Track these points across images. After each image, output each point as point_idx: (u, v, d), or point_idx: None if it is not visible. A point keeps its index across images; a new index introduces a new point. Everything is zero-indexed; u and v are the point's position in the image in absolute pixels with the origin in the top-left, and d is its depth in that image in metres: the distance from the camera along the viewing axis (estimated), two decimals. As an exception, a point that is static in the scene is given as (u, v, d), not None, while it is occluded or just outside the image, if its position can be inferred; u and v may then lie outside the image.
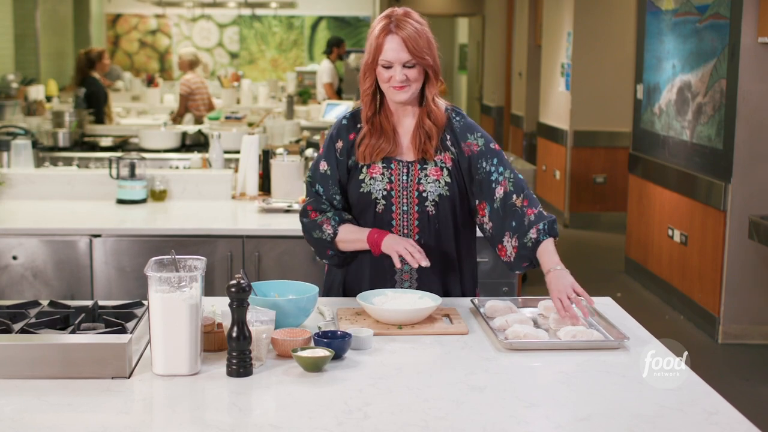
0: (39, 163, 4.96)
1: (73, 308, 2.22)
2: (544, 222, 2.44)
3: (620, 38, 8.21)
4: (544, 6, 9.44)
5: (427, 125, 2.52)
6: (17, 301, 2.30)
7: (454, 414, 1.77)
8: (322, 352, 2.01)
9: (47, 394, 1.85)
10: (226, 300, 1.97)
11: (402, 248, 2.41)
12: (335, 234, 2.52)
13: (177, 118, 8.34)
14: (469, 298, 2.53)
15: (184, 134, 6.24)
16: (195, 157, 5.20)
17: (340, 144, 2.55)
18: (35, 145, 4.79)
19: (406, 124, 2.56)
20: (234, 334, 1.95)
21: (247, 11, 12.69)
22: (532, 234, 2.43)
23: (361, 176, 2.53)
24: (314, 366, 1.98)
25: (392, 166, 2.52)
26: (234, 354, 1.95)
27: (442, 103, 2.58)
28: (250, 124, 7.36)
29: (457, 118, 2.59)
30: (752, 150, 5.09)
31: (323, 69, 9.89)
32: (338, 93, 9.82)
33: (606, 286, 6.33)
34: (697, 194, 5.53)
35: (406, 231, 2.52)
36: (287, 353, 2.07)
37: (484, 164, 2.52)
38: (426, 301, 2.36)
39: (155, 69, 12.92)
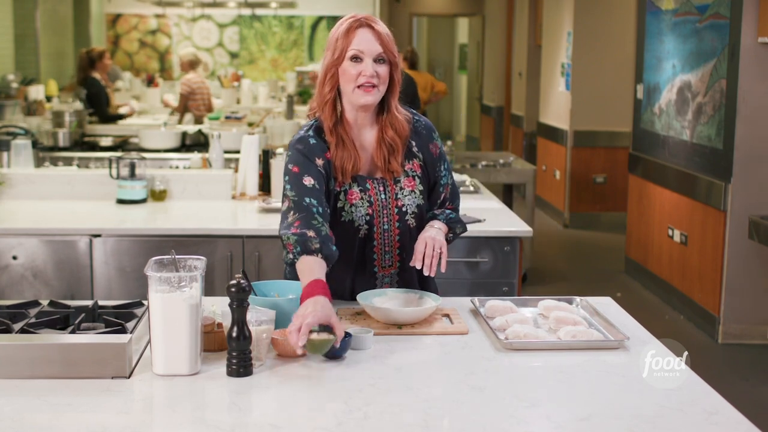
0: (39, 163, 4.96)
1: (73, 308, 2.22)
2: (453, 215, 2.51)
3: (620, 38, 8.21)
4: (544, 6, 9.44)
5: (389, 136, 2.39)
6: (17, 301, 2.30)
7: (454, 414, 1.77)
8: (326, 335, 2.01)
9: (47, 394, 1.85)
10: (226, 300, 1.97)
11: (294, 326, 2.01)
12: (292, 264, 2.29)
13: (174, 112, 8.37)
14: (469, 298, 2.53)
15: (184, 134, 6.24)
16: (195, 157, 5.19)
17: (320, 161, 2.36)
18: (35, 145, 4.79)
19: (366, 135, 2.42)
20: (234, 334, 1.95)
21: (247, 11, 12.69)
22: (437, 212, 2.50)
23: (340, 204, 2.39)
24: (315, 348, 1.99)
25: (368, 186, 2.41)
26: (234, 354, 1.95)
27: (403, 113, 2.44)
28: (250, 124, 7.36)
29: (417, 118, 2.50)
30: (752, 150, 5.09)
31: (323, 69, 9.87)
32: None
33: (606, 286, 6.33)
34: (697, 194, 5.53)
35: (387, 248, 2.45)
36: (287, 353, 2.07)
37: (440, 167, 2.51)
38: (426, 301, 2.36)
39: (155, 69, 12.92)
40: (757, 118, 5.06)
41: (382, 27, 2.35)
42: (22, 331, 2.03)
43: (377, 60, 2.32)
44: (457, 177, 4.93)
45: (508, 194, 7.22)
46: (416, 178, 2.46)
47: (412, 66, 8.44)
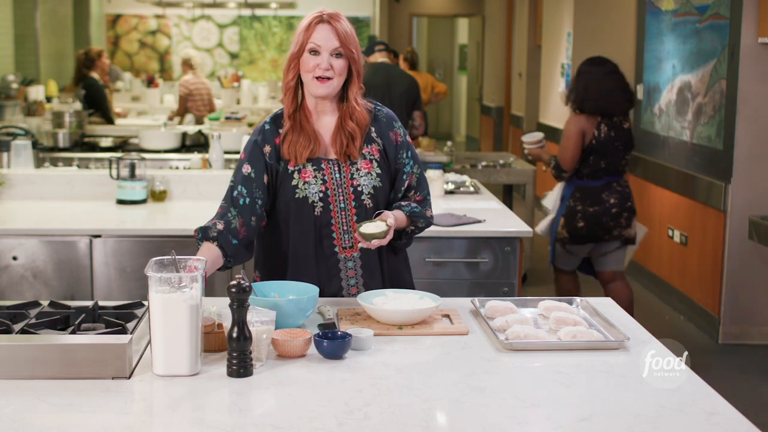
0: (39, 163, 4.96)
1: (73, 308, 2.22)
2: (417, 210, 2.56)
3: (620, 38, 8.20)
4: (544, 6, 9.44)
5: (349, 126, 2.51)
6: (17, 301, 2.30)
7: (455, 414, 1.78)
8: (378, 227, 2.34)
9: (47, 394, 1.85)
10: (227, 300, 1.97)
11: None
12: (198, 245, 2.46)
13: (173, 116, 8.37)
14: (470, 299, 2.53)
15: (184, 134, 6.24)
16: (195, 157, 5.20)
17: (268, 149, 2.52)
18: (35, 145, 4.79)
19: (325, 122, 2.54)
20: (234, 335, 1.95)
21: (247, 12, 12.69)
22: (403, 203, 2.55)
23: (294, 182, 2.50)
24: (369, 237, 2.32)
25: (322, 166, 2.51)
26: (234, 354, 1.95)
27: (363, 104, 2.56)
28: (250, 125, 7.37)
29: (378, 107, 2.61)
30: (752, 150, 5.09)
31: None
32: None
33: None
34: (697, 194, 5.53)
35: (345, 228, 2.52)
36: (287, 354, 2.08)
37: (402, 155, 2.59)
38: (426, 301, 2.36)
39: (155, 69, 12.92)
40: (757, 118, 5.06)
41: (342, 25, 2.47)
42: (23, 331, 2.03)
43: (334, 54, 2.45)
44: (457, 177, 4.93)
45: (508, 194, 7.22)
46: (374, 161, 2.55)
47: (412, 66, 8.44)
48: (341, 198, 2.51)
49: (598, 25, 8.26)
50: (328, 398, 1.85)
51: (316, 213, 2.50)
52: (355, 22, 13.12)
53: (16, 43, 9.74)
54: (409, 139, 2.64)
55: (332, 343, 2.08)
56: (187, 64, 8.86)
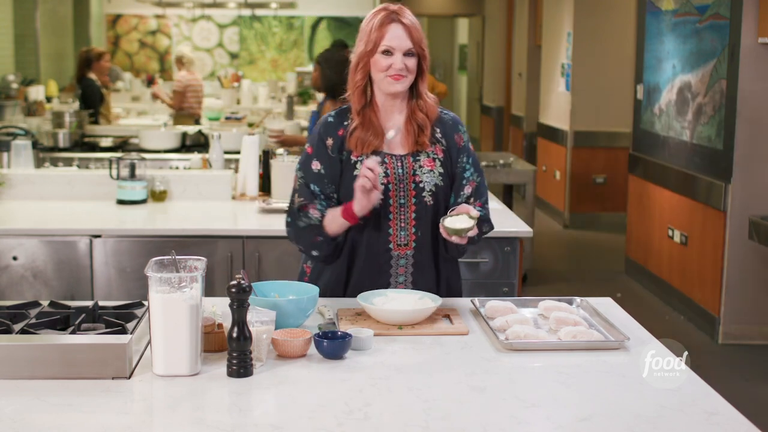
0: (39, 163, 4.96)
1: (73, 309, 2.22)
2: (482, 213, 2.55)
3: (620, 38, 8.21)
4: (544, 6, 9.44)
5: (419, 117, 2.53)
6: (17, 301, 2.30)
7: (455, 414, 1.77)
8: (462, 221, 2.32)
9: (47, 394, 1.85)
10: (227, 300, 1.97)
11: (361, 179, 2.37)
12: (323, 216, 2.50)
13: (171, 104, 8.41)
14: (470, 299, 2.53)
15: (184, 135, 6.24)
16: (195, 157, 5.20)
17: (330, 141, 2.53)
18: (35, 145, 4.80)
19: (394, 119, 2.55)
20: (234, 335, 1.95)
21: (247, 12, 12.69)
22: (477, 208, 2.54)
23: (356, 172, 2.48)
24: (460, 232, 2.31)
25: (386, 160, 2.51)
26: (234, 354, 1.95)
27: (431, 97, 2.59)
28: (251, 125, 7.36)
29: (445, 112, 2.63)
30: (752, 150, 5.09)
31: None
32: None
33: (606, 287, 6.33)
34: (697, 194, 5.53)
35: (403, 224, 2.51)
36: (287, 354, 2.08)
37: (463, 159, 2.59)
38: (426, 301, 2.36)
39: (155, 69, 12.92)
40: (757, 118, 5.06)
41: (411, 21, 2.48)
42: (23, 331, 2.03)
43: (406, 54, 2.46)
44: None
45: (508, 194, 7.22)
46: (436, 160, 2.55)
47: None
48: (402, 193, 2.51)
49: (598, 25, 8.26)
50: (328, 398, 1.85)
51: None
52: (355, 22, 13.14)
53: (16, 43, 9.74)
54: (471, 146, 2.64)
55: (332, 343, 2.08)
56: (180, 62, 8.89)
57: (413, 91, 2.55)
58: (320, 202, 2.52)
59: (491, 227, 2.62)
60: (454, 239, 2.38)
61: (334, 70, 4.96)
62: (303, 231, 2.53)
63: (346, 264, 2.56)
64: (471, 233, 2.38)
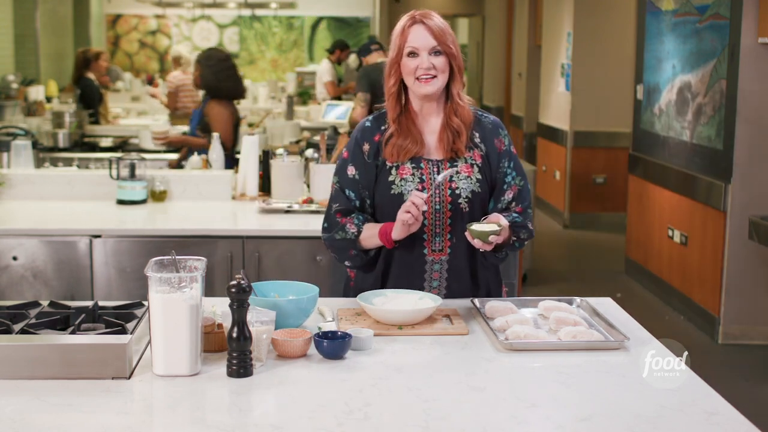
0: (39, 163, 4.97)
1: (73, 309, 2.22)
2: (519, 219, 2.51)
3: (620, 38, 8.21)
4: (544, 6, 9.44)
5: (455, 123, 2.49)
6: (17, 301, 2.30)
7: (455, 414, 1.77)
8: (490, 226, 2.30)
9: (47, 394, 1.85)
10: (227, 300, 1.97)
11: (404, 215, 2.35)
12: (359, 232, 2.49)
13: (168, 105, 8.41)
14: (470, 299, 2.53)
15: (184, 134, 6.23)
16: (195, 157, 5.20)
17: (366, 147, 2.52)
18: (35, 145, 4.80)
19: (431, 123, 2.53)
20: (234, 335, 1.95)
21: (247, 12, 12.69)
22: (504, 213, 2.49)
23: (391, 178, 2.48)
24: (484, 236, 2.30)
25: (422, 165, 2.49)
26: (234, 354, 1.95)
27: (467, 100, 2.56)
28: (251, 125, 7.36)
29: (485, 115, 2.59)
30: (752, 150, 5.09)
31: (324, 68, 9.89)
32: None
33: (606, 287, 6.33)
34: (697, 195, 5.53)
35: (438, 230, 2.49)
36: (287, 354, 2.08)
37: (504, 164, 2.55)
38: (426, 301, 2.36)
39: (155, 69, 12.92)
40: (757, 118, 5.06)
41: (436, 21, 2.47)
42: (23, 331, 2.03)
43: (432, 53, 2.44)
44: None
45: (508, 194, 7.21)
46: (474, 166, 2.51)
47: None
48: (437, 199, 2.48)
49: (598, 25, 8.26)
50: (328, 398, 1.85)
51: None
52: (355, 22, 13.14)
53: (16, 43, 9.74)
54: (513, 149, 2.60)
55: (332, 343, 2.08)
56: (177, 62, 8.89)
57: (448, 94, 2.52)
58: (357, 216, 2.51)
59: (530, 234, 2.57)
60: (477, 243, 2.36)
61: (211, 69, 5.02)
62: (338, 242, 2.53)
63: (382, 269, 2.55)
64: (496, 239, 2.34)
